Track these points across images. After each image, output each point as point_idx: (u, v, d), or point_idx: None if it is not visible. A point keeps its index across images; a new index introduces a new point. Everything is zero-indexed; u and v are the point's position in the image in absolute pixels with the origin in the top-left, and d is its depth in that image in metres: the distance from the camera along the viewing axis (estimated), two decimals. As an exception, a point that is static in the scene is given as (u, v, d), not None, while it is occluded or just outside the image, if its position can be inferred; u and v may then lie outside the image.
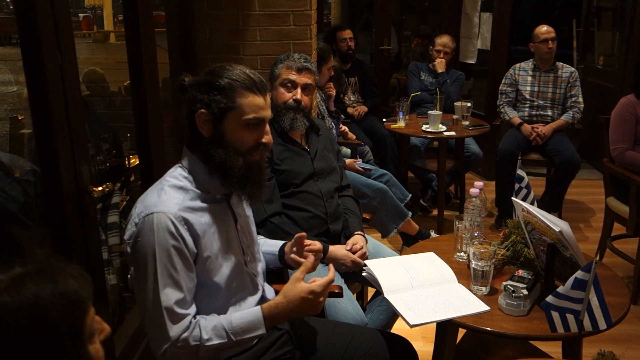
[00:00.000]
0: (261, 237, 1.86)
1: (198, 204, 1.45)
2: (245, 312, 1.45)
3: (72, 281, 0.84)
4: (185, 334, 1.36)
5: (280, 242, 1.80)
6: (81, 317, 0.85)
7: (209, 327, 1.40)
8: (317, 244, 1.69)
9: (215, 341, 1.39)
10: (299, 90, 2.19)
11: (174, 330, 1.35)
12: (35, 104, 1.48)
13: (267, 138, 1.49)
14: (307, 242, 1.67)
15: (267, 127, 1.49)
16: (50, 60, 1.46)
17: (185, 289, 1.38)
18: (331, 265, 1.54)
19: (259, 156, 1.50)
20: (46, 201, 1.57)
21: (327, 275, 1.49)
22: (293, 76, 2.19)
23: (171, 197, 1.41)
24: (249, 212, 1.68)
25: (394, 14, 6.23)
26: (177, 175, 1.47)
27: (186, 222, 1.39)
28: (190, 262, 1.40)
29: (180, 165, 1.50)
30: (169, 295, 1.35)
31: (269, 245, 1.81)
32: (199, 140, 1.46)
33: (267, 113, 1.48)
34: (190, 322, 1.38)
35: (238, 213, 1.58)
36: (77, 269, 0.88)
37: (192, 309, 1.41)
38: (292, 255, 1.69)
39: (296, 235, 1.67)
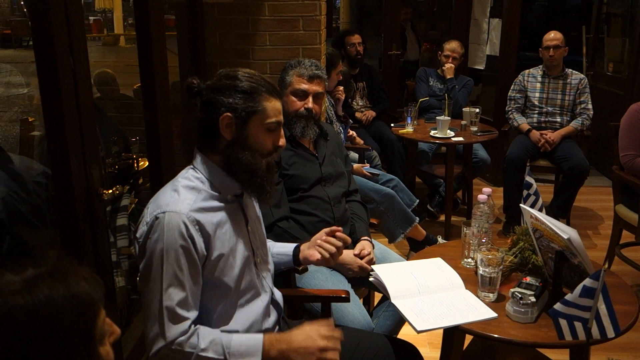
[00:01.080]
0: (269, 240, 1.87)
1: (210, 204, 1.46)
2: (247, 336, 1.44)
3: (84, 283, 0.85)
4: (182, 338, 1.35)
5: (293, 244, 1.81)
6: (92, 319, 0.86)
7: (207, 338, 1.38)
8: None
9: (210, 354, 1.37)
10: (310, 99, 2.20)
11: (172, 331, 1.35)
12: (47, 108, 1.50)
13: (282, 141, 1.53)
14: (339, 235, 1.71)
15: (282, 131, 1.53)
16: (63, 64, 1.48)
17: (188, 290, 1.38)
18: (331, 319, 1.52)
19: (273, 158, 1.54)
20: (57, 203, 1.59)
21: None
22: (305, 85, 2.19)
23: (183, 197, 1.42)
24: (259, 214, 1.70)
25: (409, 20, 6.20)
26: (189, 176, 1.49)
27: (198, 223, 1.40)
28: (198, 265, 1.40)
29: (192, 166, 1.52)
30: (172, 295, 1.36)
31: (280, 247, 1.82)
32: (215, 142, 1.48)
33: (282, 117, 1.52)
34: (190, 327, 1.37)
35: (249, 215, 1.59)
36: (88, 272, 0.88)
37: (193, 314, 1.40)
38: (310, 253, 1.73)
39: (330, 229, 1.73)
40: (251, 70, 1.51)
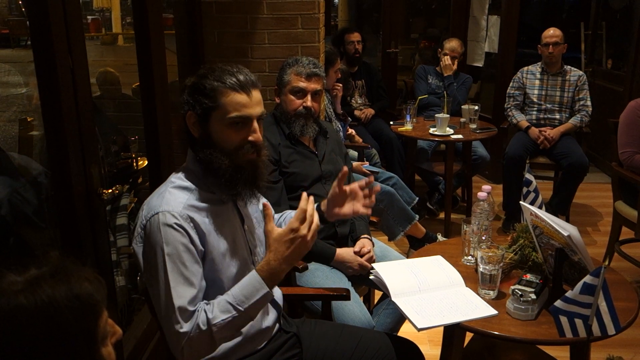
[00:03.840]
0: (288, 211, 1.87)
1: (203, 204, 1.45)
2: (242, 281, 1.42)
3: (86, 284, 0.85)
4: (195, 324, 1.35)
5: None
6: (94, 320, 0.85)
7: (212, 307, 1.38)
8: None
9: (223, 316, 1.36)
10: (308, 97, 2.19)
11: (187, 326, 1.35)
12: (46, 107, 1.50)
13: (255, 136, 1.46)
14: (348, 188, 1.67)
15: (256, 125, 1.47)
16: (62, 64, 1.48)
17: (196, 284, 1.38)
18: (304, 194, 1.45)
19: (254, 155, 1.48)
20: (57, 203, 1.59)
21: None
22: (303, 84, 2.19)
23: (175, 197, 1.43)
24: (257, 213, 1.69)
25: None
26: (180, 176, 1.49)
27: (192, 220, 1.40)
28: (198, 258, 1.40)
29: (185, 166, 1.52)
30: (181, 293, 1.35)
31: None
32: (192, 141, 1.49)
33: (253, 110, 1.46)
34: (197, 310, 1.37)
35: (245, 214, 1.59)
36: (91, 272, 0.88)
37: (203, 302, 1.40)
38: (336, 210, 1.70)
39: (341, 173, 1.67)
40: (229, 65, 1.47)
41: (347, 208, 1.71)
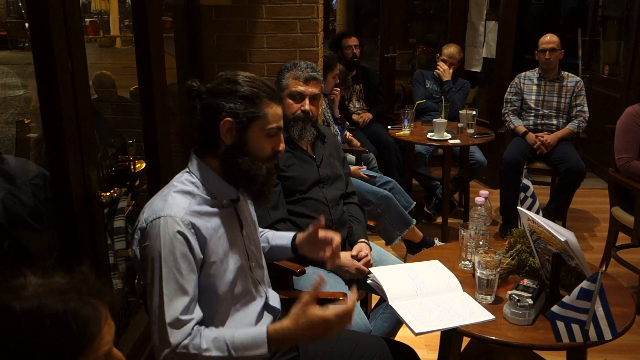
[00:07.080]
0: (268, 230, 1.87)
1: (205, 208, 1.45)
2: (250, 329, 1.42)
3: (91, 312, 0.83)
4: (185, 341, 1.34)
5: (291, 233, 1.80)
6: (76, 350, 0.82)
7: (210, 337, 1.36)
8: (337, 239, 1.68)
9: (214, 353, 1.35)
10: (307, 101, 2.20)
11: (176, 336, 1.34)
12: (46, 110, 1.50)
13: (282, 146, 1.53)
14: (322, 234, 1.67)
15: (282, 135, 1.53)
16: (62, 67, 1.48)
17: (190, 293, 1.38)
18: (352, 294, 1.42)
19: (272, 162, 1.54)
20: (55, 206, 1.59)
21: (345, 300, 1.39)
22: (301, 87, 2.20)
23: (178, 201, 1.42)
24: (254, 218, 1.70)
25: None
26: (183, 180, 1.49)
27: (193, 226, 1.40)
28: (195, 267, 1.40)
29: (187, 170, 1.52)
30: (174, 301, 1.35)
31: (279, 238, 1.82)
32: (214, 147, 1.48)
33: (282, 122, 1.52)
34: (193, 328, 1.36)
35: (244, 219, 1.59)
36: (106, 308, 0.86)
37: (197, 314, 1.39)
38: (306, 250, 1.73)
39: (310, 228, 1.68)
40: (251, 74, 1.50)
41: (315, 252, 1.72)
